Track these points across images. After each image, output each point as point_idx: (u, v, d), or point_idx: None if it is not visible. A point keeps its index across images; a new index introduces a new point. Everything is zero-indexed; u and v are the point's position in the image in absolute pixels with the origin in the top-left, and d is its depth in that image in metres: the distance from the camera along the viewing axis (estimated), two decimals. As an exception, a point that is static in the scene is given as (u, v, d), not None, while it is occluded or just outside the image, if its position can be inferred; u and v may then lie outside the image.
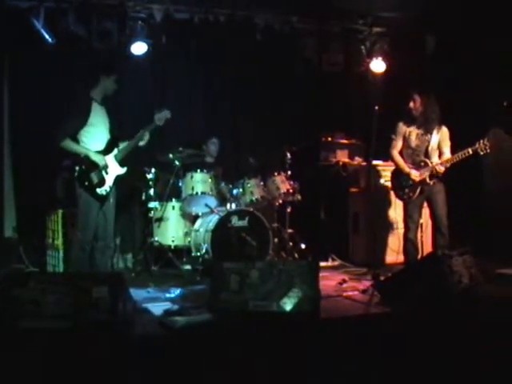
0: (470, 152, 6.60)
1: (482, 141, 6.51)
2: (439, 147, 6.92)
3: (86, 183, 6.13)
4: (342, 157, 9.19)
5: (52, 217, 7.67)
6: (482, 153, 6.53)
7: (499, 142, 8.52)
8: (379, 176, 8.33)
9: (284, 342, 4.43)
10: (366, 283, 6.36)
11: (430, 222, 7.19)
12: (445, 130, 6.96)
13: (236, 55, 8.66)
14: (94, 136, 6.24)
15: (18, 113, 8.03)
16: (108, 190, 6.28)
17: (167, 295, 6.19)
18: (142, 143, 6.55)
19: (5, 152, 8.00)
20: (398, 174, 7.13)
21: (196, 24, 8.08)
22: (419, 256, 7.05)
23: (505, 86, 8.22)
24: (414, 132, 7.01)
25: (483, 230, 8.45)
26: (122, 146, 6.49)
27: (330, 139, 9.27)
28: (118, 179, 6.42)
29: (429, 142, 6.92)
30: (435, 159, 6.89)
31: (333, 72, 8.92)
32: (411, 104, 6.96)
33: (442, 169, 6.78)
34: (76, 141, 6.15)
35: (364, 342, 4.55)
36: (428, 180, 6.83)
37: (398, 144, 7.13)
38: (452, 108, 7.62)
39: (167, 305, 5.57)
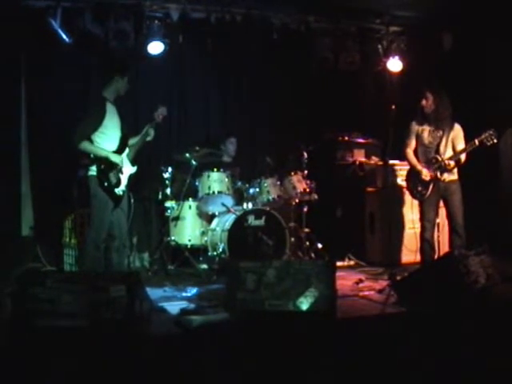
0: (477, 143, 6.57)
1: (487, 131, 6.49)
2: (453, 144, 6.87)
3: (106, 184, 6.07)
4: (359, 156, 9.17)
5: (69, 216, 7.71)
6: (488, 143, 6.51)
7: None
8: (396, 175, 8.30)
9: (300, 342, 4.43)
10: (383, 283, 6.35)
11: (446, 222, 7.16)
12: (458, 127, 6.91)
13: (252, 54, 8.66)
14: (108, 136, 6.16)
15: (35, 113, 8.04)
16: (124, 189, 6.28)
17: (183, 294, 6.21)
18: (148, 138, 6.49)
19: (22, 152, 8.03)
20: (412, 173, 7.12)
21: (212, 23, 8.09)
22: (436, 256, 7.01)
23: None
24: (426, 129, 6.97)
25: (500, 229, 8.40)
26: (131, 143, 6.45)
27: (346, 138, 9.25)
28: (131, 178, 6.42)
29: (440, 139, 6.87)
30: (447, 156, 6.84)
31: (349, 71, 8.90)
32: (423, 102, 6.91)
33: (451, 164, 6.75)
34: (90, 141, 6.08)
35: (380, 342, 4.55)
36: (439, 175, 6.80)
37: (412, 143, 7.09)
38: (468, 107, 7.59)
39: (183, 304, 5.60)
